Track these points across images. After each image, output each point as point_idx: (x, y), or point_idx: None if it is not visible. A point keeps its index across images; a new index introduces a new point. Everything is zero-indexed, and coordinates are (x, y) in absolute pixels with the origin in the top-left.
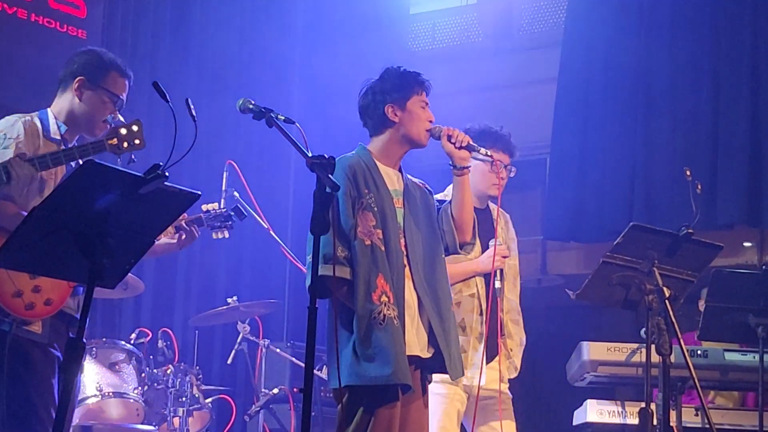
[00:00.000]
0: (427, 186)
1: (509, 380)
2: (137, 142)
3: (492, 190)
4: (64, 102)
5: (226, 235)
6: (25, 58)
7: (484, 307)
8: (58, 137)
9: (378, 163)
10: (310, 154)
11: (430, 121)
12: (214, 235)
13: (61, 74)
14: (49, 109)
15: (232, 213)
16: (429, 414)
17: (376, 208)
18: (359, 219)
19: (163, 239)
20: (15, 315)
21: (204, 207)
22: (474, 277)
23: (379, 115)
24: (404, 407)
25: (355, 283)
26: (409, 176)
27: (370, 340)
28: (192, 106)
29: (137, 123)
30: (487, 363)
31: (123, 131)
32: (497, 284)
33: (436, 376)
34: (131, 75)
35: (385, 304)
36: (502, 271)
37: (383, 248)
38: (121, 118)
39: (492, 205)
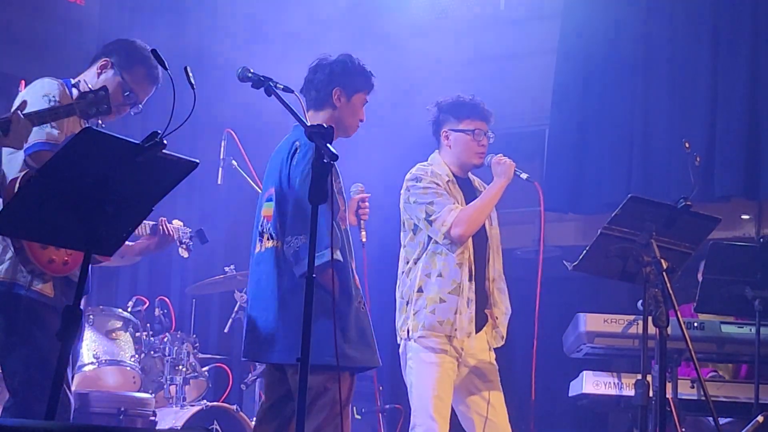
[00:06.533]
0: None
1: (495, 350)
2: (105, 107)
3: (475, 159)
4: (86, 76)
5: (186, 255)
6: (22, 23)
7: (474, 272)
8: None
9: None
10: (308, 123)
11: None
12: (180, 251)
13: (95, 53)
14: (72, 80)
15: (194, 235)
16: (416, 381)
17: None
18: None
19: (143, 240)
20: (36, 264)
21: (174, 222)
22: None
23: (326, 92)
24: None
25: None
26: None
27: None
28: (191, 74)
29: (104, 89)
30: (476, 332)
31: (91, 96)
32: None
33: (426, 345)
34: (158, 82)
35: None
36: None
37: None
38: (89, 85)
39: (471, 176)
